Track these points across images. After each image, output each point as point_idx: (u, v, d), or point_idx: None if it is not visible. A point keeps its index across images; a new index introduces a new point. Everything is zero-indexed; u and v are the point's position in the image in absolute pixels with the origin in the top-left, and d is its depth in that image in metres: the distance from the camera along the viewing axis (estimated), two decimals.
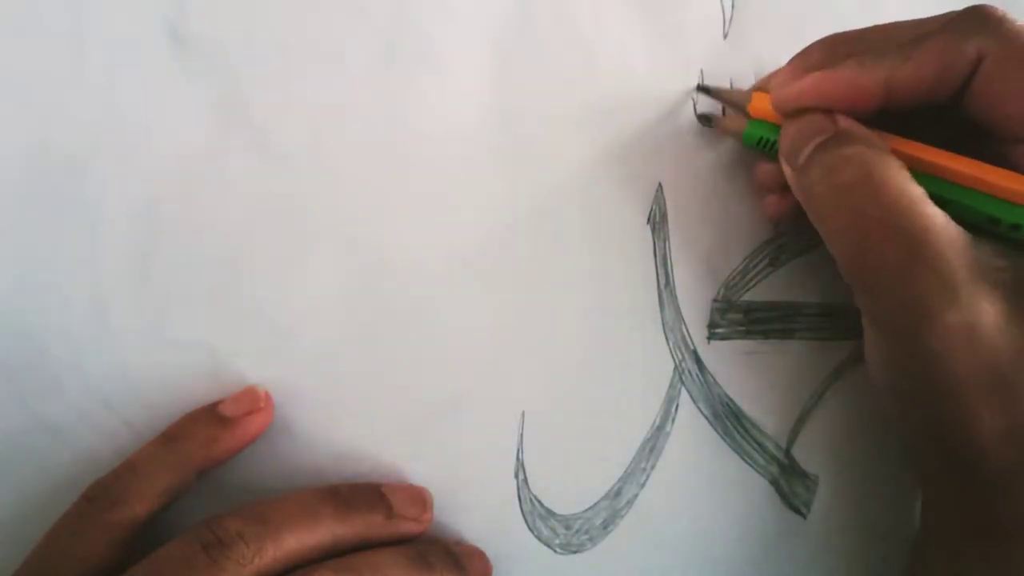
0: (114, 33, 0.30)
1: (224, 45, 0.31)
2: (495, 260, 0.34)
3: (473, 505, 0.33)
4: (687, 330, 0.35)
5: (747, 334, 0.36)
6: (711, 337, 0.36)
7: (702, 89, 0.35)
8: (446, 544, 0.33)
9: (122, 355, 0.31)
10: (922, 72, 0.29)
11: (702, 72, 0.36)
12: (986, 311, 0.27)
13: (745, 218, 0.36)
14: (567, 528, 0.34)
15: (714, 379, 0.35)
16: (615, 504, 0.35)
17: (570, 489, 0.34)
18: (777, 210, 0.35)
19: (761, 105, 0.33)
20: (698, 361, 0.35)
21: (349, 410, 0.33)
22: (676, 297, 0.35)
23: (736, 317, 0.36)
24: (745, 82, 0.36)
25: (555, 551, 0.34)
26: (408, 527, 0.32)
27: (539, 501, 0.34)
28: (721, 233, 0.36)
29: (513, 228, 0.34)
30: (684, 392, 0.35)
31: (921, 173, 0.29)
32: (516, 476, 0.34)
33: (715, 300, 0.36)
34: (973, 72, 0.29)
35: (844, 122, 0.30)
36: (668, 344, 0.35)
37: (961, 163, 0.30)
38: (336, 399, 0.32)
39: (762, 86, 0.34)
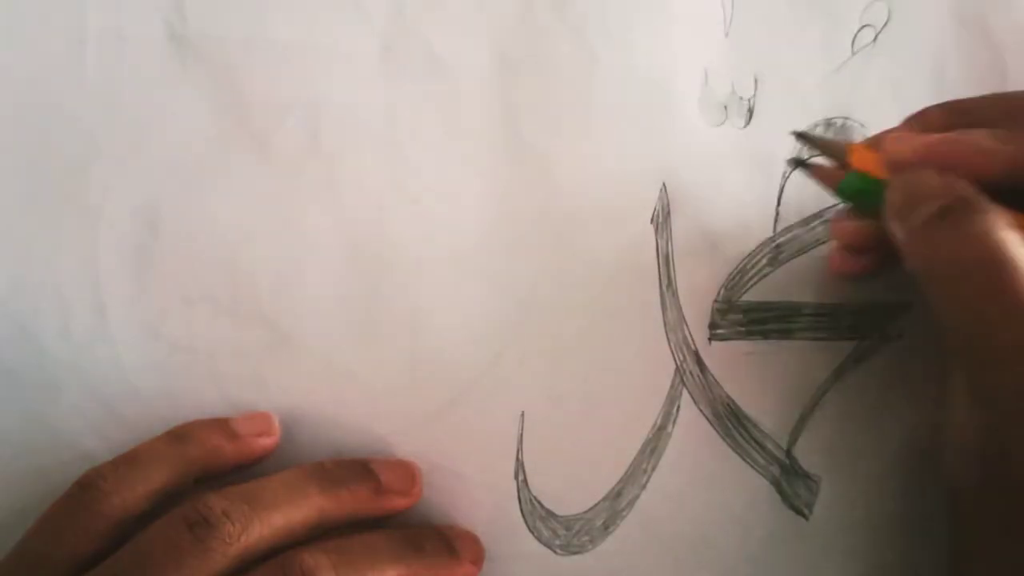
0: (114, 33, 0.31)
1: (223, 46, 0.31)
2: (495, 260, 0.33)
3: (473, 506, 0.33)
4: (688, 331, 0.35)
5: (747, 334, 0.36)
6: (712, 338, 0.35)
7: (799, 136, 0.34)
8: (438, 527, 0.33)
9: (122, 356, 0.31)
10: None
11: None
12: None
13: (747, 219, 0.36)
14: (567, 529, 0.34)
15: (715, 380, 0.35)
16: (616, 505, 0.35)
17: (570, 490, 0.34)
18: (847, 269, 0.34)
19: (866, 157, 0.32)
20: (699, 362, 0.35)
21: (348, 410, 0.33)
22: (678, 297, 0.35)
23: (736, 318, 0.36)
24: (746, 82, 0.36)
25: (555, 552, 0.34)
26: (397, 501, 0.32)
27: (539, 502, 0.34)
28: (724, 233, 0.36)
29: (514, 228, 0.34)
30: (685, 393, 0.35)
31: None
32: (516, 477, 0.34)
33: (716, 300, 0.36)
34: None
35: (964, 188, 0.29)
36: (669, 345, 0.35)
37: None
38: (335, 399, 0.32)
39: (866, 143, 0.33)
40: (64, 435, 0.30)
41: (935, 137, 0.30)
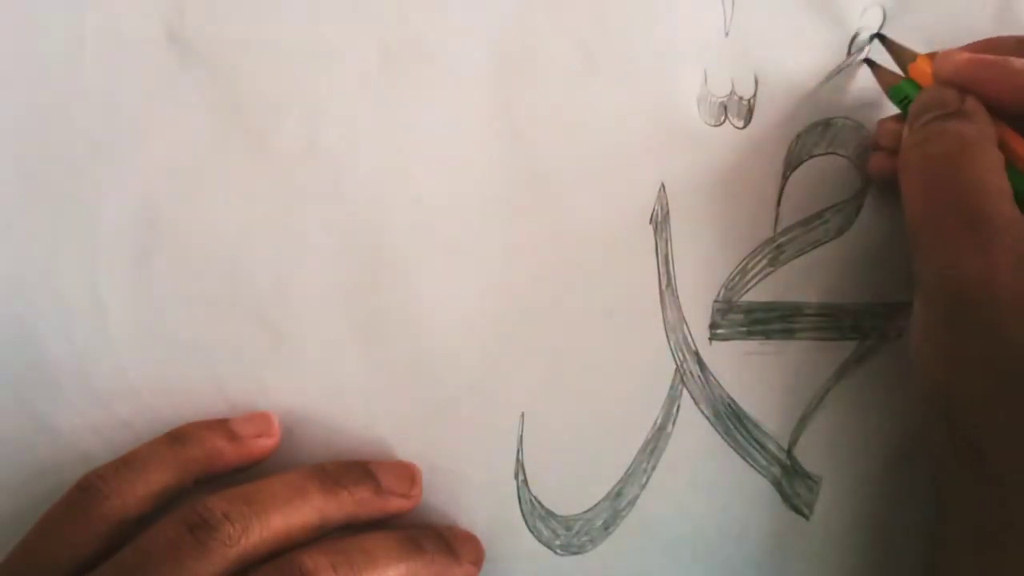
0: (113, 34, 0.31)
1: (222, 46, 0.31)
2: (495, 260, 0.33)
3: (473, 506, 0.33)
4: (689, 331, 0.35)
5: (748, 335, 0.36)
6: (712, 338, 0.35)
7: (879, 37, 0.36)
8: (438, 528, 0.33)
9: (122, 356, 0.31)
10: None
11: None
12: (1020, 309, 0.28)
13: (747, 219, 0.36)
14: (567, 529, 0.34)
15: (716, 380, 0.35)
16: (616, 505, 0.35)
17: (570, 490, 0.34)
18: (878, 168, 0.35)
19: (921, 68, 0.34)
20: (699, 362, 0.35)
21: (348, 411, 0.33)
22: (678, 297, 0.35)
23: (737, 318, 0.36)
24: (747, 82, 0.36)
25: (555, 552, 0.34)
26: (397, 503, 0.32)
27: (539, 502, 0.34)
28: (724, 233, 0.36)
29: (514, 229, 0.34)
30: (685, 393, 0.35)
31: (1019, 174, 0.30)
32: (516, 477, 0.34)
33: (716, 301, 0.36)
34: None
35: (970, 103, 0.31)
36: (670, 345, 0.35)
37: None
38: (335, 399, 0.32)
39: (930, 56, 0.34)
40: (64, 435, 0.30)
41: (974, 56, 0.32)
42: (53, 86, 0.30)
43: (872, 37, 0.36)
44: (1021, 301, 0.28)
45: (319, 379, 0.32)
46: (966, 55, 0.32)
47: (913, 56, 0.34)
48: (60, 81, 0.30)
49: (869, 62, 0.36)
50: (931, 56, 0.34)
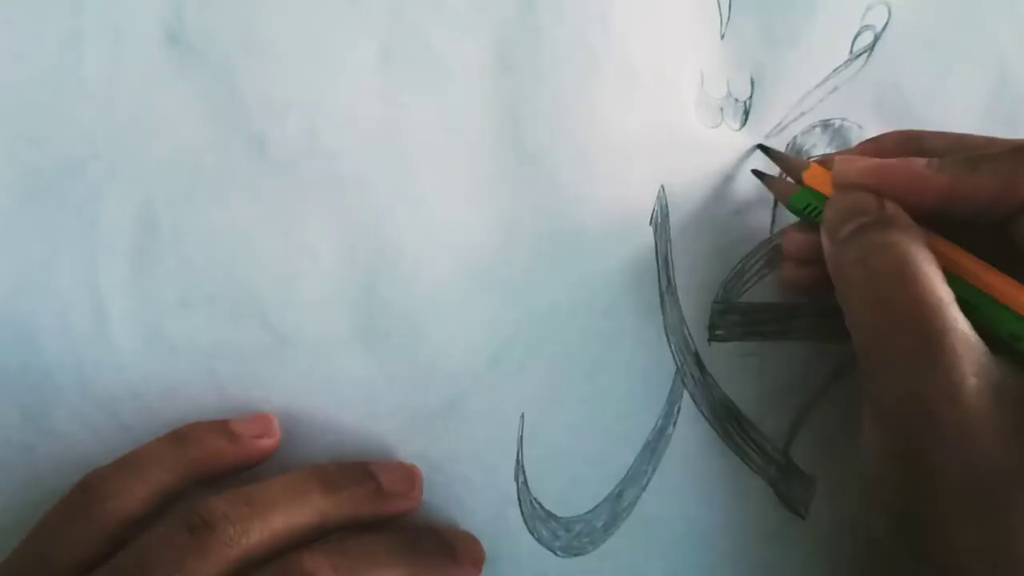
0: (111, 35, 0.30)
1: (221, 46, 0.31)
2: (495, 261, 0.33)
3: (473, 507, 0.33)
4: (689, 332, 0.35)
5: (745, 335, 0.36)
6: (712, 339, 0.36)
7: (762, 148, 0.36)
8: (438, 529, 0.33)
9: (121, 358, 0.31)
10: (983, 188, 0.30)
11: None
12: (987, 424, 0.27)
13: (746, 220, 0.36)
14: (568, 531, 0.34)
15: (714, 381, 0.35)
16: (616, 507, 0.35)
17: (571, 491, 0.34)
18: (795, 280, 0.35)
19: (817, 175, 0.33)
20: (699, 363, 0.35)
21: (348, 412, 0.32)
22: (678, 299, 0.35)
23: (735, 318, 0.36)
24: (742, 83, 0.36)
25: (556, 554, 0.34)
26: (398, 504, 0.32)
27: (539, 504, 0.34)
28: (722, 234, 0.36)
29: (513, 228, 0.34)
30: (685, 394, 0.35)
31: (955, 276, 0.29)
32: (516, 478, 0.34)
33: (715, 302, 0.36)
34: (1016, 214, 0.30)
35: (891, 208, 0.30)
36: (670, 346, 0.35)
37: (992, 276, 0.30)
38: (335, 400, 0.32)
39: (821, 161, 0.34)
40: (63, 437, 0.30)
41: (876, 161, 0.31)
42: (52, 87, 0.30)
43: (754, 148, 0.36)
44: (989, 414, 0.27)
45: (319, 379, 0.32)
46: (866, 161, 0.31)
47: (805, 164, 0.34)
48: (59, 82, 0.30)
49: (758, 173, 0.36)
50: (821, 163, 0.33)
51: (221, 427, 0.31)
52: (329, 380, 0.32)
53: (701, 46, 0.36)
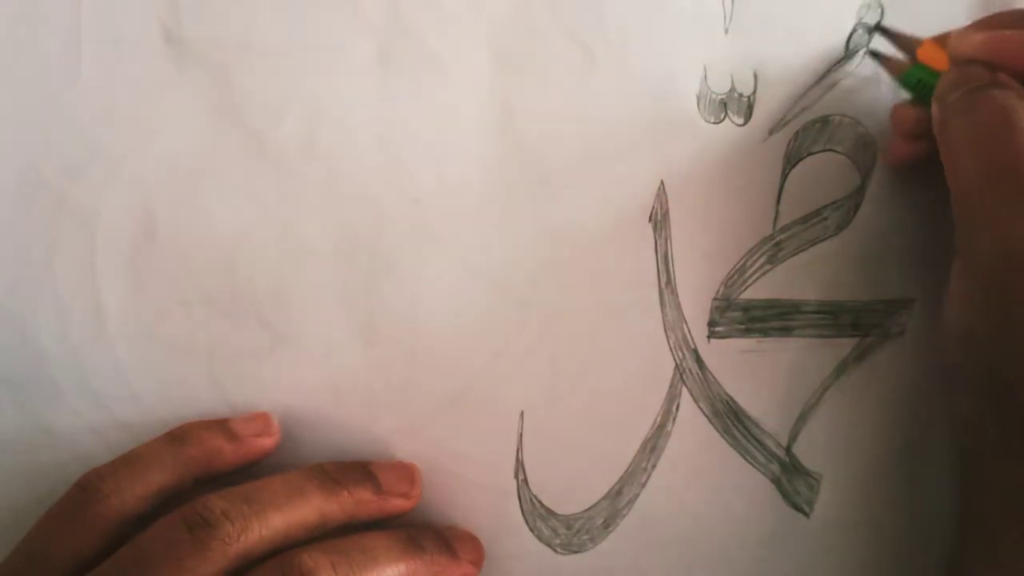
0: (109, 35, 0.30)
1: (219, 46, 0.31)
2: (494, 259, 0.33)
3: (473, 506, 0.33)
4: (688, 329, 0.35)
5: (747, 332, 0.36)
6: (712, 336, 0.35)
7: (879, 29, 0.36)
8: (437, 528, 0.33)
9: (120, 357, 0.31)
10: None
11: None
12: None
13: (746, 216, 0.36)
14: (568, 528, 0.34)
15: (714, 378, 0.35)
16: (616, 504, 0.35)
17: (570, 489, 0.34)
18: (900, 155, 0.36)
19: (931, 52, 0.34)
20: (699, 360, 0.35)
21: (348, 411, 0.33)
22: (677, 295, 0.35)
23: (735, 315, 0.36)
24: (746, 79, 0.36)
25: (556, 551, 0.34)
26: (397, 503, 0.32)
27: (539, 501, 0.34)
28: (723, 231, 0.35)
29: (512, 227, 0.34)
30: (685, 391, 0.35)
31: None
32: (516, 476, 0.34)
33: (715, 298, 0.35)
34: None
35: (1004, 77, 0.31)
36: (669, 343, 0.35)
37: None
38: (334, 399, 0.32)
39: (936, 39, 0.34)
40: (63, 437, 0.30)
41: (993, 33, 0.32)
42: (50, 87, 0.30)
43: (873, 29, 0.36)
44: None
45: (319, 379, 0.32)
46: (983, 33, 0.32)
47: (919, 41, 0.35)
48: (57, 82, 0.30)
49: (874, 53, 0.36)
50: (937, 40, 0.34)
51: (220, 426, 0.31)
52: (329, 380, 0.32)
53: (704, 40, 0.35)
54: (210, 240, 0.31)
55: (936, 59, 0.34)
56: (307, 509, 0.30)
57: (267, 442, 0.31)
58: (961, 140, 0.30)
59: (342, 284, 0.32)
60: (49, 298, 0.30)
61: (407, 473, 0.32)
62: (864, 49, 0.36)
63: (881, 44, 0.36)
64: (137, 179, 0.31)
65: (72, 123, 0.30)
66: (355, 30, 0.32)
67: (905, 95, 0.36)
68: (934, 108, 0.32)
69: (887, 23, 0.36)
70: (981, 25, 0.33)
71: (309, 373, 0.32)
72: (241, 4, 0.31)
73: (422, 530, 0.32)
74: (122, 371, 0.31)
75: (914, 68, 0.35)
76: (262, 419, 0.32)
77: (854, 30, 0.36)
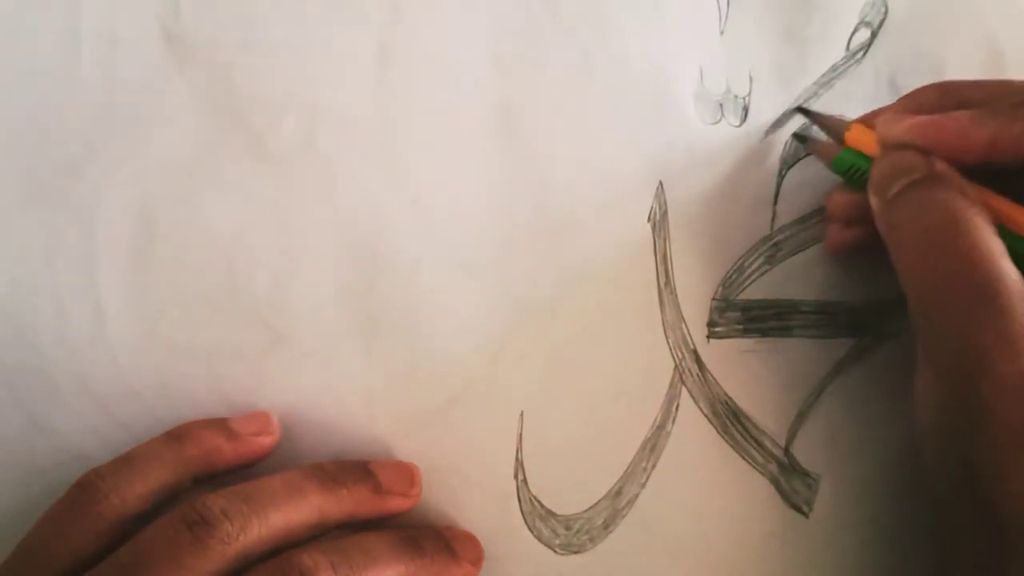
0: (109, 35, 0.31)
1: (218, 46, 0.31)
2: (493, 260, 0.33)
3: (473, 506, 0.33)
4: (687, 329, 0.35)
5: (745, 332, 0.36)
6: (711, 336, 0.35)
7: (802, 111, 0.36)
8: (437, 528, 0.33)
9: (120, 357, 0.31)
10: None
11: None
12: None
13: (745, 217, 0.36)
14: (567, 528, 0.34)
15: (714, 378, 0.35)
16: (616, 504, 0.35)
17: (570, 489, 0.34)
18: (839, 242, 0.35)
19: (859, 136, 0.33)
20: (698, 360, 0.35)
21: (347, 411, 0.33)
22: (676, 296, 0.35)
23: (734, 316, 0.36)
24: (742, 80, 0.36)
25: (556, 552, 0.34)
26: (397, 503, 0.32)
27: (539, 501, 0.34)
28: (722, 231, 0.36)
29: (512, 227, 0.34)
30: (684, 391, 0.35)
31: (1006, 229, 0.30)
32: (516, 477, 0.34)
33: (714, 299, 0.36)
34: None
35: (940, 165, 0.30)
36: (668, 343, 0.35)
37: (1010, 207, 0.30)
38: (334, 399, 0.32)
39: (863, 120, 0.34)
40: (62, 437, 0.30)
41: (921, 119, 0.31)
42: (50, 88, 0.30)
43: (794, 111, 0.36)
44: None
45: (319, 379, 0.32)
46: (910, 119, 0.31)
47: (846, 124, 0.34)
48: (57, 82, 0.30)
49: (800, 136, 0.36)
50: (865, 121, 0.33)
51: (220, 425, 0.31)
52: (328, 380, 0.32)
53: (700, 42, 0.36)
54: (209, 240, 0.31)
55: (865, 143, 0.33)
56: (306, 508, 0.30)
57: (267, 441, 0.31)
58: (908, 246, 0.30)
59: (342, 284, 0.32)
60: (49, 298, 0.30)
61: (407, 472, 0.32)
62: (787, 129, 0.36)
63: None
64: (136, 179, 0.31)
65: (71, 122, 0.30)
66: (355, 30, 0.32)
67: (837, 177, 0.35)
68: (873, 200, 0.31)
69: (888, 29, 0.36)
70: (906, 106, 0.33)
71: (309, 373, 0.32)
72: (241, 4, 0.31)
73: (422, 530, 0.32)
74: (122, 371, 0.31)
75: (844, 152, 0.33)
76: (262, 418, 0.32)
77: (856, 28, 0.36)
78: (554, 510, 0.34)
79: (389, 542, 0.31)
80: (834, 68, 0.36)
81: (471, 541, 0.33)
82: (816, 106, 0.36)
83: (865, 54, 0.36)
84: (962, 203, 0.29)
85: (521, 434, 0.34)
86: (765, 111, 0.36)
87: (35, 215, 0.30)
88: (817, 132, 0.36)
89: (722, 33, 0.36)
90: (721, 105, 0.36)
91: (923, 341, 0.30)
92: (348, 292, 0.32)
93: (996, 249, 0.28)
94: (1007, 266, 0.28)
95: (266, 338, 0.32)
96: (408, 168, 0.33)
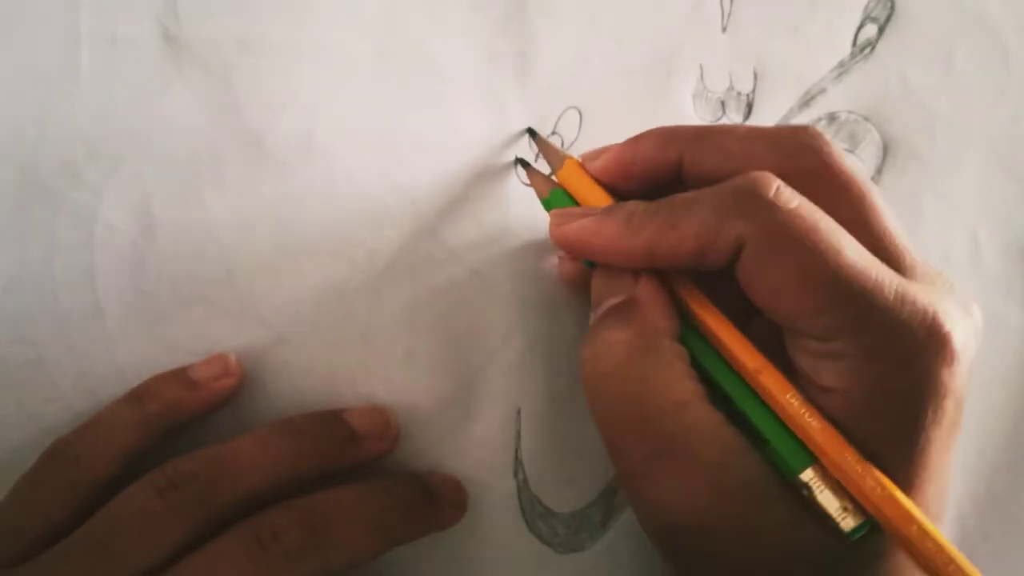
0: (107, 35, 0.31)
1: (217, 47, 0.31)
2: (493, 259, 0.33)
3: (473, 505, 0.33)
4: None
5: None
6: None
7: (531, 133, 0.33)
8: (417, 474, 0.32)
9: (119, 358, 0.31)
10: (684, 245, 0.26)
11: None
12: (735, 528, 0.25)
13: None
14: (567, 527, 0.34)
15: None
16: (613, 501, 0.34)
17: (569, 487, 0.34)
18: (569, 273, 0.33)
19: (570, 175, 0.31)
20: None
21: None
22: None
23: None
24: (745, 76, 0.35)
25: (555, 550, 0.34)
26: (374, 447, 0.31)
27: (539, 500, 0.34)
28: None
29: (511, 227, 0.34)
30: None
31: (711, 354, 0.27)
32: (516, 476, 0.34)
33: None
34: (737, 254, 0.26)
35: (644, 288, 0.28)
36: None
37: (722, 329, 0.27)
38: (334, 400, 0.32)
39: (584, 157, 0.31)
40: (61, 435, 0.30)
41: (579, 224, 0.28)
42: (49, 88, 0.30)
43: (523, 132, 0.34)
44: (728, 525, 0.25)
45: (317, 380, 0.32)
46: (578, 224, 0.28)
47: (561, 162, 0.31)
48: (56, 83, 0.30)
49: (522, 162, 0.33)
50: (583, 159, 0.31)
51: (178, 377, 0.31)
52: (328, 380, 0.32)
53: (702, 40, 0.35)
54: (208, 240, 0.31)
55: (577, 186, 0.30)
56: (279, 465, 0.29)
57: (228, 382, 0.31)
58: (591, 394, 0.28)
59: (341, 284, 0.32)
60: (48, 298, 0.31)
61: (380, 415, 0.32)
62: (513, 152, 0.34)
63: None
64: (136, 179, 0.31)
65: (71, 123, 0.30)
66: (353, 30, 0.32)
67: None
68: (591, 317, 0.29)
69: (896, 23, 0.35)
70: (624, 152, 0.30)
71: (307, 374, 0.32)
72: (239, 4, 0.31)
73: (400, 479, 0.32)
74: (121, 372, 0.31)
75: (552, 194, 0.31)
76: (220, 360, 0.31)
77: (862, 24, 0.36)
78: (553, 508, 0.34)
79: (363, 494, 0.30)
80: (841, 64, 0.36)
81: (453, 485, 0.33)
82: (823, 103, 0.36)
83: (873, 49, 0.36)
84: (641, 344, 0.27)
85: (519, 432, 0.34)
86: (770, 108, 0.36)
87: (35, 216, 0.30)
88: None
89: (724, 30, 0.35)
90: (723, 102, 0.35)
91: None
92: (348, 292, 0.32)
93: (679, 394, 0.26)
94: (692, 414, 0.26)
95: (266, 338, 0.32)
96: (407, 168, 0.33)
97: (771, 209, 0.25)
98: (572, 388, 0.34)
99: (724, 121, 0.35)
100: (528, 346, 0.34)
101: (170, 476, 0.28)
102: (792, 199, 0.26)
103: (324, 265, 0.32)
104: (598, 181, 0.30)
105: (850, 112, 0.36)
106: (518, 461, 0.34)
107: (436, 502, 0.32)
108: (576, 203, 0.30)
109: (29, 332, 0.30)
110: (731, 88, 0.35)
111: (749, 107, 0.35)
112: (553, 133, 0.34)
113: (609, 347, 0.27)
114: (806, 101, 0.36)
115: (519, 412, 0.34)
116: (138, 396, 0.30)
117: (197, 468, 0.28)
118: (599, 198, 0.30)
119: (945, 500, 0.27)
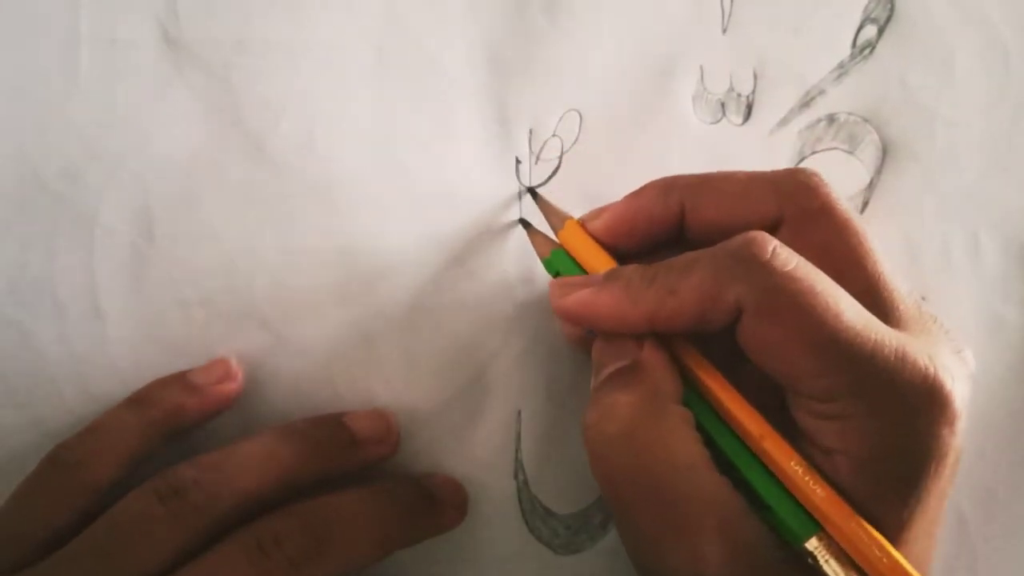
0: (108, 37, 0.31)
1: (217, 47, 0.31)
2: (492, 259, 0.33)
3: (473, 506, 0.33)
4: None
5: None
6: None
7: (532, 193, 0.33)
8: (416, 477, 0.32)
9: (119, 359, 0.31)
10: (684, 311, 0.26)
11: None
12: None
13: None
14: (567, 528, 0.34)
15: None
16: None
17: (569, 488, 0.34)
18: (574, 337, 0.32)
19: (572, 237, 0.31)
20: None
21: (347, 411, 0.33)
22: None
23: None
24: (745, 77, 0.35)
25: (555, 552, 0.34)
26: (375, 451, 0.31)
27: (539, 501, 0.34)
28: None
29: (510, 227, 0.34)
30: None
31: (714, 420, 0.27)
32: (516, 477, 0.34)
33: None
34: (738, 317, 0.26)
35: (648, 352, 0.28)
36: None
37: (726, 394, 0.27)
38: (334, 401, 0.32)
39: (593, 215, 0.31)
40: (62, 438, 0.30)
41: (579, 296, 0.28)
42: (49, 89, 0.30)
43: (525, 192, 0.33)
44: None
45: (317, 381, 0.32)
46: (579, 296, 0.28)
47: (562, 221, 0.31)
48: (56, 84, 0.30)
49: (524, 223, 0.33)
50: (584, 220, 0.31)
51: (179, 381, 0.31)
52: (329, 382, 0.32)
53: (702, 41, 0.35)
54: (209, 241, 0.31)
55: (577, 247, 0.30)
56: (280, 470, 0.29)
57: (230, 387, 0.31)
58: (595, 458, 0.27)
59: (340, 284, 0.32)
60: (48, 300, 0.30)
61: (381, 419, 0.32)
62: (518, 213, 0.34)
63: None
64: (136, 180, 0.31)
65: (71, 124, 0.30)
66: (352, 30, 0.32)
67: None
68: (592, 380, 0.29)
69: (894, 26, 0.35)
70: (627, 207, 0.30)
71: (307, 375, 0.32)
72: (239, 5, 0.31)
73: (400, 482, 0.32)
74: (121, 373, 0.31)
75: (553, 255, 0.31)
76: (221, 365, 0.31)
77: (861, 25, 0.36)
78: (553, 509, 0.34)
79: (364, 498, 0.30)
80: (841, 65, 0.36)
81: (453, 486, 0.33)
82: (823, 104, 0.36)
83: (872, 50, 0.36)
84: (646, 409, 0.27)
85: (520, 435, 0.34)
86: (770, 109, 0.36)
87: (34, 217, 0.30)
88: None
89: (724, 32, 0.35)
90: (723, 104, 0.35)
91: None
92: (348, 292, 0.32)
93: (685, 457, 0.26)
94: (698, 477, 0.26)
95: (267, 338, 0.32)
96: (406, 168, 0.33)
97: (768, 272, 0.25)
98: (572, 389, 0.34)
99: (724, 122, 0.35)
100: (528, 347, 0.34)
101: (171, 482, 0.28)
102: (789, 260, 0.26)
103: (325, 266, 0.32)
104: (599, 241, 0.30)
105: (850, 113, 0.36)
106: (518, 462, 0.34)
107: (437, 505, 0.32)
108: (576, 264, 0.30)
109: (29, 333, 0.30)
110: (731, 89, 0.35)
111: (749, 108, 0.35)
112: (553, 135, 0.34)
113: (615, 410, 0.27)
114: (806, 102, 0.36)
115: (519, 413, 0.34)
116: (139, 401, 0.30)
117: (198, 474, 0.28)
118: (600, 260, 0.30)
119: (935, 540, 0.27)
